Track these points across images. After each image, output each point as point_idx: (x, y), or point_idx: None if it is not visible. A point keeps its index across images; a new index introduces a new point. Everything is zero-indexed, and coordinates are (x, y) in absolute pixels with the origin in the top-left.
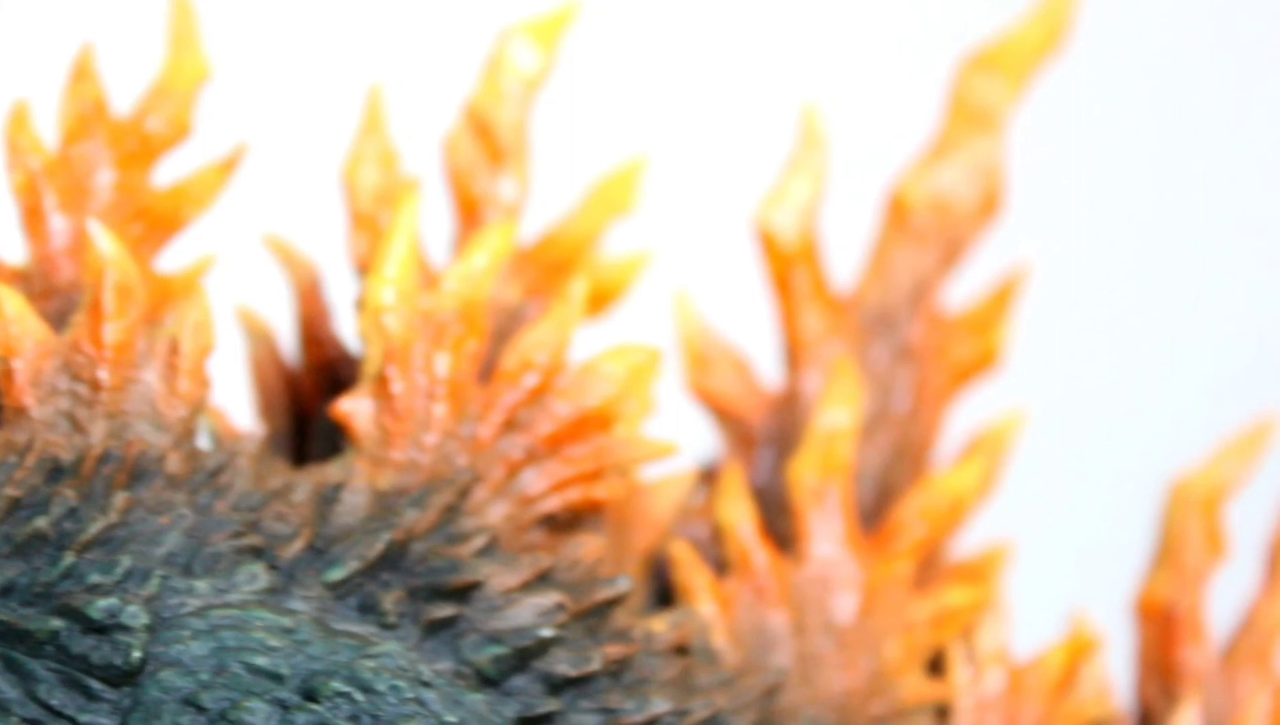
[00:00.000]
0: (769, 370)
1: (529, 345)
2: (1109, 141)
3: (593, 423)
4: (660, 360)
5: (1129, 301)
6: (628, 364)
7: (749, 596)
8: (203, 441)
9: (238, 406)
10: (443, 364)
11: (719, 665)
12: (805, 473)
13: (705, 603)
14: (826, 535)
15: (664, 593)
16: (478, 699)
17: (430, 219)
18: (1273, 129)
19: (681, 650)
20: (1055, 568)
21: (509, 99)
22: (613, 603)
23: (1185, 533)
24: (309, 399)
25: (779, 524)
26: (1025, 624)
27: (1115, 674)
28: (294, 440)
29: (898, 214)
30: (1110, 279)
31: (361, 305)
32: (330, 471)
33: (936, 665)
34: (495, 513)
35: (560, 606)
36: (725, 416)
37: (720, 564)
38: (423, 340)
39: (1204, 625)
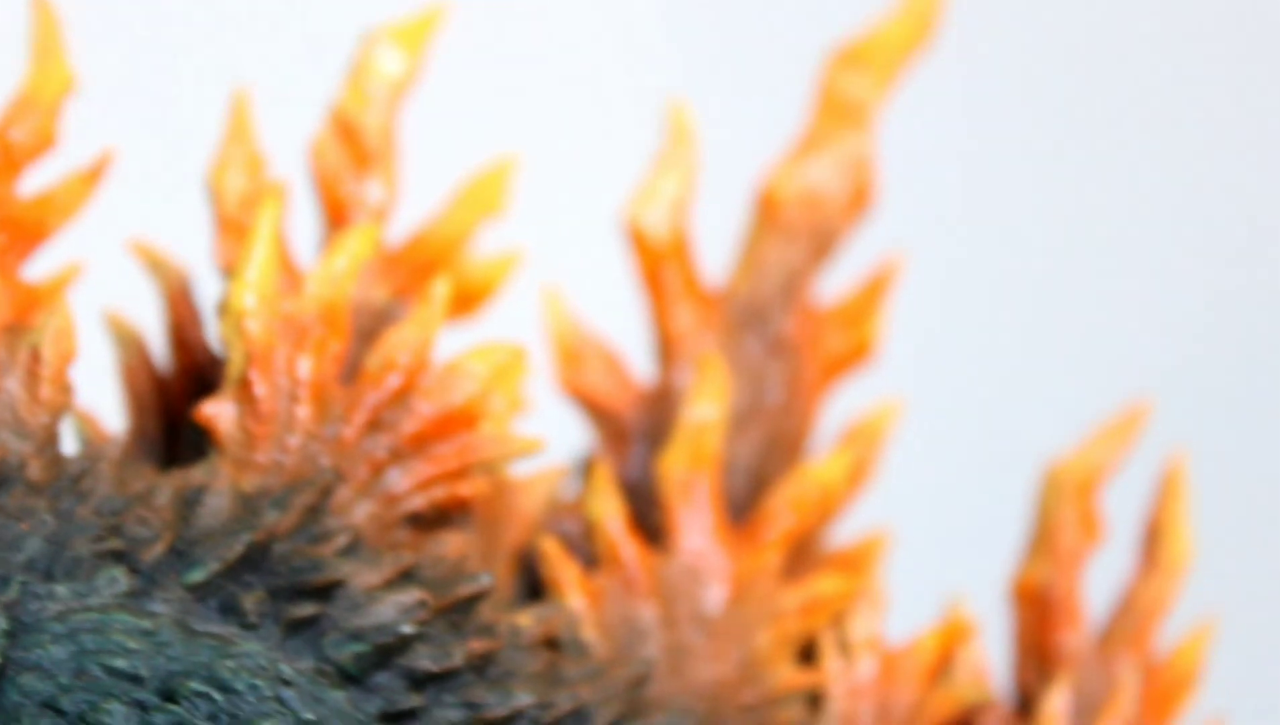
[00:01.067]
0: (641, 366)
1: (392, 346)
2: (977, 131)
3: (457, 421)
4: (525, 358)
5: (1001, 291)
6: (492, 362)
7: (618, 590)
8: (67, 447)
9: (109, 412)
10: (305, 366)
11: (587, 658)
12: (674, 466)
13: (574, 597)
14: (695, 527)
15: (534, 588)
16: (340, 696)
17: (299, 224)
18: (1130, 109)
19: (550, 645)
20: (932, 556)
21: (374, 102)
22: (476, 598)
23: (1060, 517)
24: (179, 403)
25: (652, 519)
26: (902, 612)
27: (992, 659)
28: (165, 445)
29: (768, 209)
30: (983, 268)
31: (223, 309)
32: (194, 475)
33: (809, 654)
34: (360, 512)
35: (422, 603)
36: (597, 412)
37: (590, 559)
38: (284, 343)
39: (1080, 609)
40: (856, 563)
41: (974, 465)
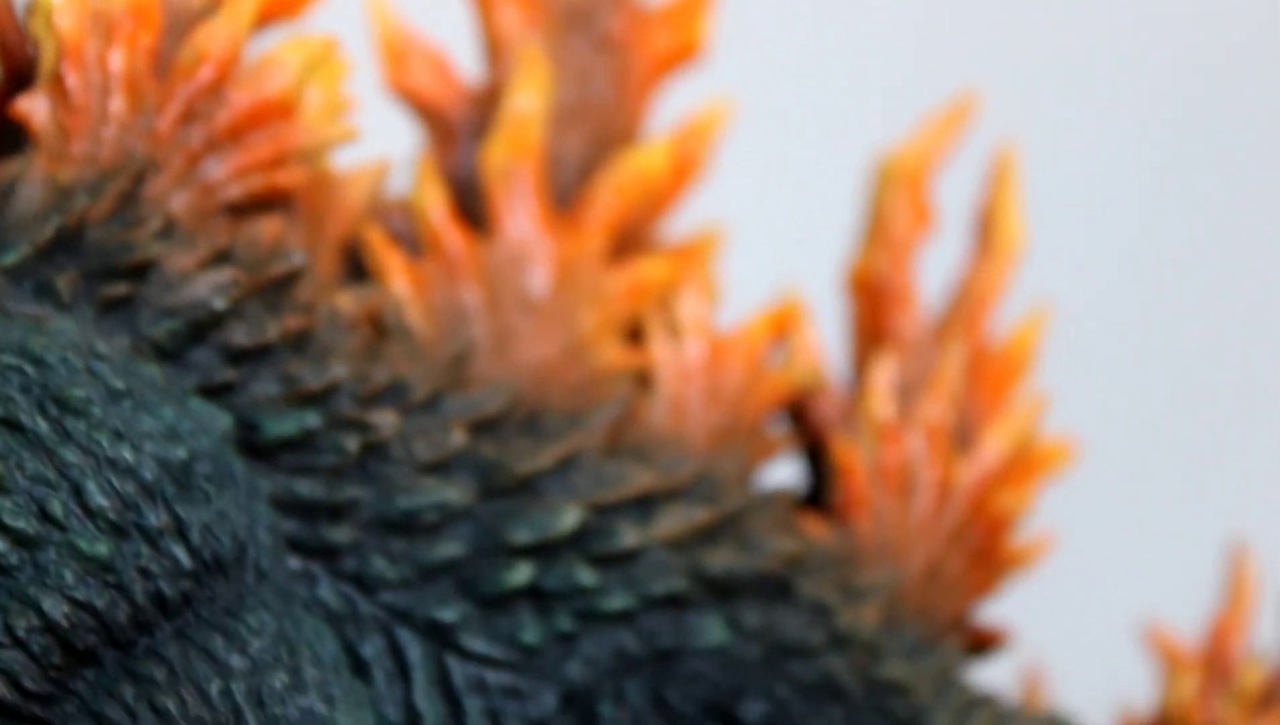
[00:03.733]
0: (468, 67)
1: (204, 38)
2: None
3: (271, 111)
4: (339, 51)
5: None
6: (305, 54)
7: (442, 275)
8: None
9: None
10: (116, 60)
11: (410, 340)
12: (495, 155)
13: (398, 282)
14: (518, 214)
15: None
16: (154, 371)
17: None
18: None
19: (378, 332)
20: (769, 249)
21: None
22: (291, 277)
23: (892, 206)
24: (2, 106)
25: (481, 213)
26: (738, 303)
27: (829, 346)
28: None
29: None
30: None
31: (32, 7)
32: (9, 168)
33: (640, 339)
34: (177, 201)
35: (236, 281)
36: (424, 111)
37: (417, 251)
38: (95, 37)
39: (913, 295)
40: (690, 255)
41: (809, 159)
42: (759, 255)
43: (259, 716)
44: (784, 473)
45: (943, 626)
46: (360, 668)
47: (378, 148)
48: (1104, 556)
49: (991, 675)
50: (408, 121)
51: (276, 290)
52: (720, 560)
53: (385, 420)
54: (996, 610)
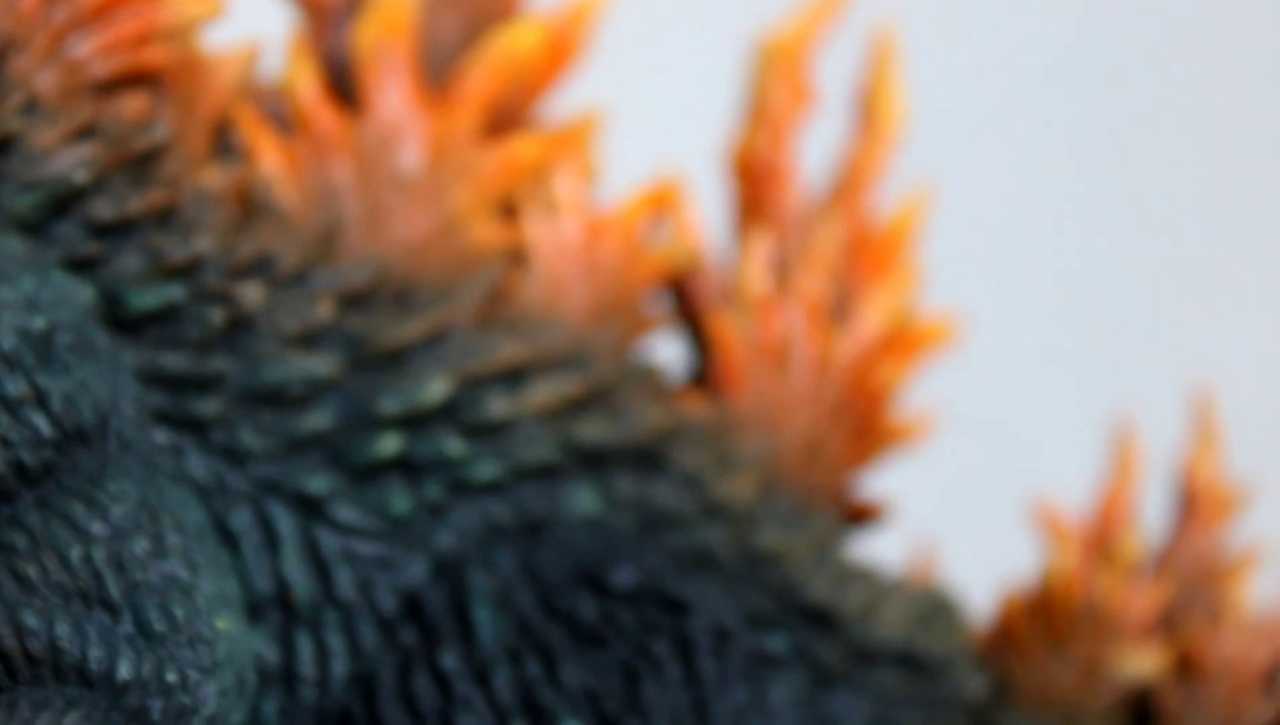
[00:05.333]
0: None
1: None
2: None
3: None
4: None
5: None
6: None
7: (312, 153)
8: None
9: None
10: None
11: (280, 217)
12: (367, 34)
13: (268, 160)
14: (390, 93)
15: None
16: (16, 244)
17: None
18: None
19: (248, 210)
20: (652, 130)
21: None
22: (154, 152)
23: (773, 87)
24: None
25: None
26: (622, 185)
27: (714, 226)
28: None
29: None
30: None
31: None
32: None
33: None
34: (42, 79)
35: (98, 156)
36: None
37: (290, 130)
38: None
39: (794, 174)
40: (568, 135)
41: (689, 41)
42: (642, 136)
43: (120, 581)
44: (668, 350)
45: (822, 499)
46: (229, 539)
47: (254, 30)
48: (992, 433)
49: (880, 550)
50: (283, 3)
51: (140, 165)
52: (592, 431)
53: (251, 293)
54: (884, 485)
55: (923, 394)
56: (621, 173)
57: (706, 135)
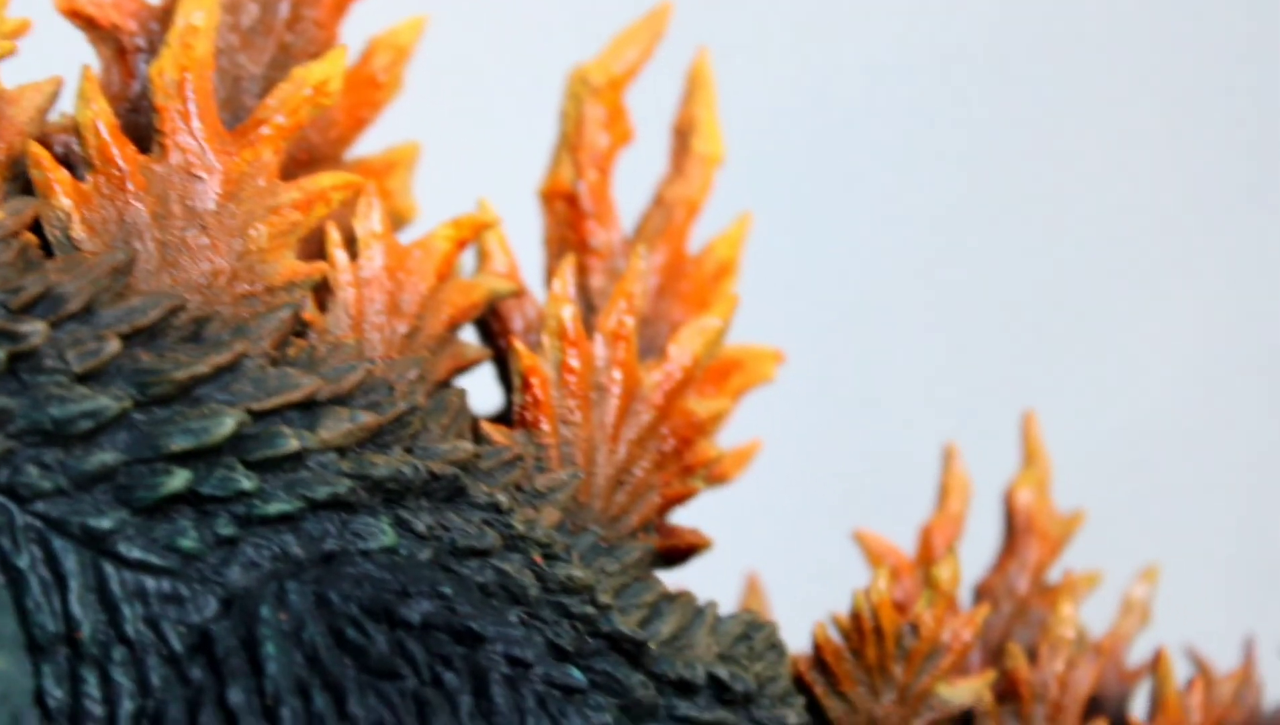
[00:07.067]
0: None
1: None
2: None
3: None
4: None
5: None
6: None
7: (108, 189)
8: None
9: None
10: None
11: (74, 255)
12: (164, 69)
13: (61, 197)
14: (186, 128)
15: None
16: None
17: None
18: None
19: (41, 248)
20: (468, 165)
21: None
22: None
23: (587, 117)
24: None
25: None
26: (439, 218)
27: (533, 258)
28: None
29: None
30: None
31: None
32: None
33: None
34: None
35: None
36: (94, 30)
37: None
38: None
39: (610, 205)
40: (376, 168)
41: (505, 76)
42: (456, 172)
43: None
44: (477, 383)
45: (633, 530)
46: (14, 577)
47: (52, 68)
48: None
49: (704, 581)
50: (82, 41)
51: None
52: (387, 463)
53: (35, 329)
54: (708, 517)
55: (743, 426)
56: (436, 209)
57: (523, 170)
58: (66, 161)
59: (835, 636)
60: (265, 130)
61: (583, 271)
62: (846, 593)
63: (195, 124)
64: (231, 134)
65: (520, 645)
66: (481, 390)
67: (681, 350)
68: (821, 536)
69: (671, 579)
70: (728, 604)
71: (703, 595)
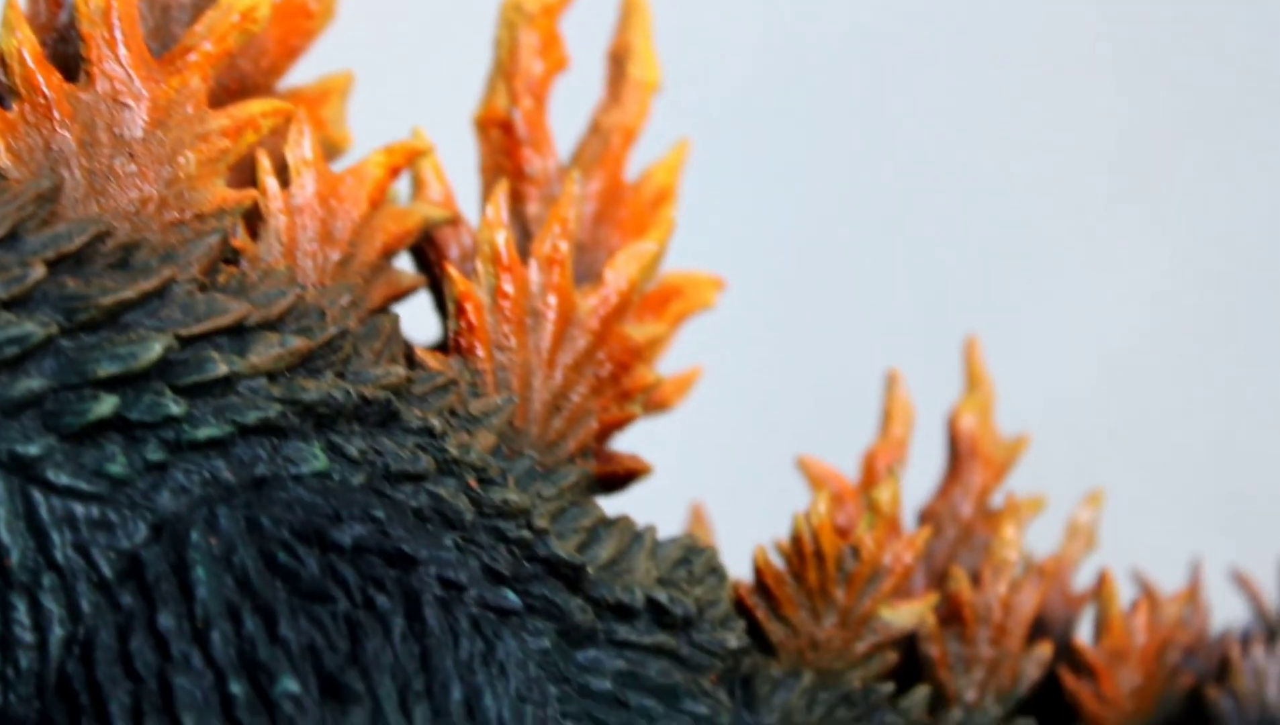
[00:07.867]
0: None
1: None
2: None
3: None
4: None
5: None
6: None
7: (34, 118)
8: None
9: None
10: None
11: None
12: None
13: None
14: (113, 55)
15: None
16: None
17: None
18: None
19: None
20: (403, 94)
21: None
22: None
23: (521, 45)
24: None
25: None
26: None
27: (468, 185)
28: None
29: None
30: None
31: None
32: None
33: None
34: None
35: None
36: None
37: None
38: None
39: (545, 133)
40: (307, 95)
41: (438, 3)
42: (393, 99)
43: None
44: (421, 312)
45: (570, 455)
46: None
47: None
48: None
49: (647, 507)
50: None
51: None
52: (318, 388)
53: None
54: (652, 445)
55: (685, 354)
56: (371, 138)
57: (458, 98)
58: None
59: (776, 560)
60: (193, 57)
61: (519, 199)
62: (790, 520)
63: (121, 51)
64: (159, 61)
65: (454, 568)
66: (420, 321)
67: (617, 275)
68: (766, 464)
69: (614, 508)
70: (674, 533)
71: (647, 523)
